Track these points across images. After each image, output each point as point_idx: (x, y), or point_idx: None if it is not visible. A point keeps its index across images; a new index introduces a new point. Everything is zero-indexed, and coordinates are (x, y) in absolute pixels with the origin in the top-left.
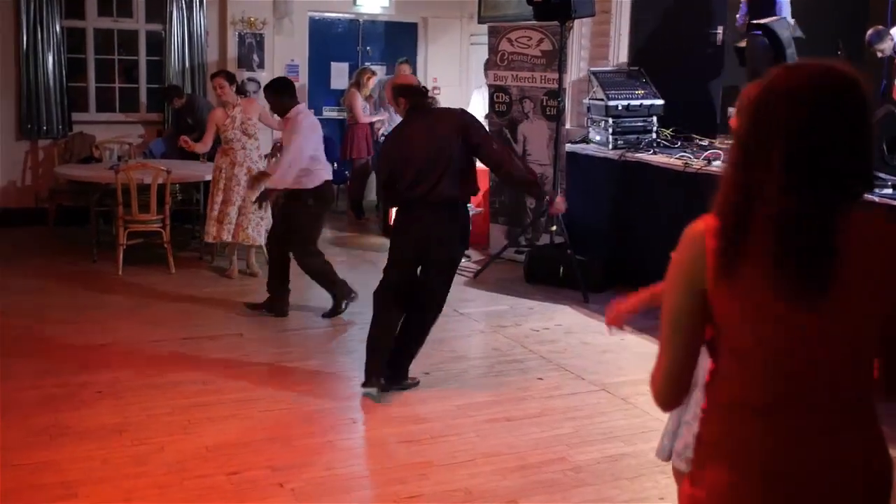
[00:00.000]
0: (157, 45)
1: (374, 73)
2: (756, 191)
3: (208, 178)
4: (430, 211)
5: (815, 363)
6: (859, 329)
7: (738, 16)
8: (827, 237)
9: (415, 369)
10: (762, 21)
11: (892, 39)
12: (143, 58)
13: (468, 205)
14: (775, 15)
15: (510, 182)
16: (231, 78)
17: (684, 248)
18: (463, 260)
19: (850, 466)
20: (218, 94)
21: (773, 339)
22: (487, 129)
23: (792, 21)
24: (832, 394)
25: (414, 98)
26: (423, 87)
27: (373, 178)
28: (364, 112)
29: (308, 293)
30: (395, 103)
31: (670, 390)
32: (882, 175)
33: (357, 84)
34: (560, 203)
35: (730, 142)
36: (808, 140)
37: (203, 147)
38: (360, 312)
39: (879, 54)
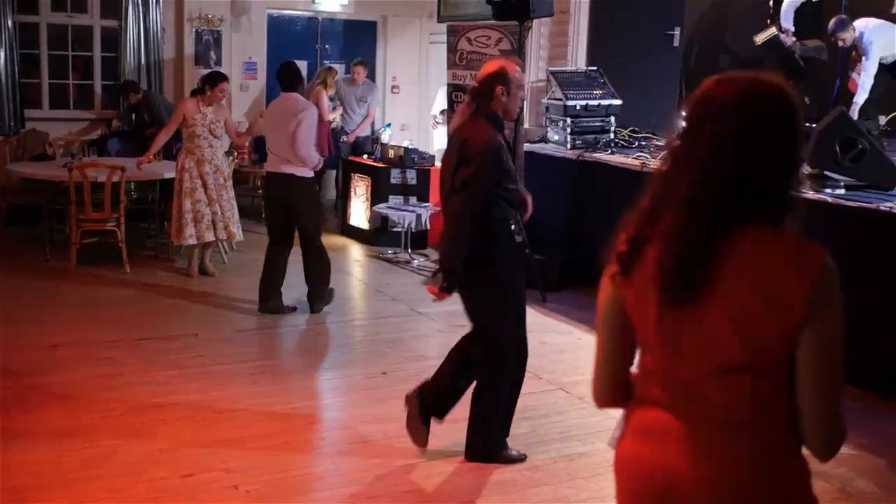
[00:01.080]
0: (113, 41)
1: (337, 72)
2: (664, 201)
3: (168, 175)
4: None
5: (688, 368)
6: (727, 342)
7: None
8: (707, 252)
9: (373, 369)
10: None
11: (854, 30)
12: (97, 54)
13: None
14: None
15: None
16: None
17: (609, 261)
18: (421, 259)
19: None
20: (218, 99)
21: (656, 339)
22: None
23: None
24: (701, 403)
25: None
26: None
27: (328, 176)
28: (328, 108)
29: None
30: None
31: (604, 388)
32: (834, 176)
33: (323, 83)
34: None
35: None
36: (730, 157)
37: (166, 134)
38: (318, 313)
39: (840, 43)
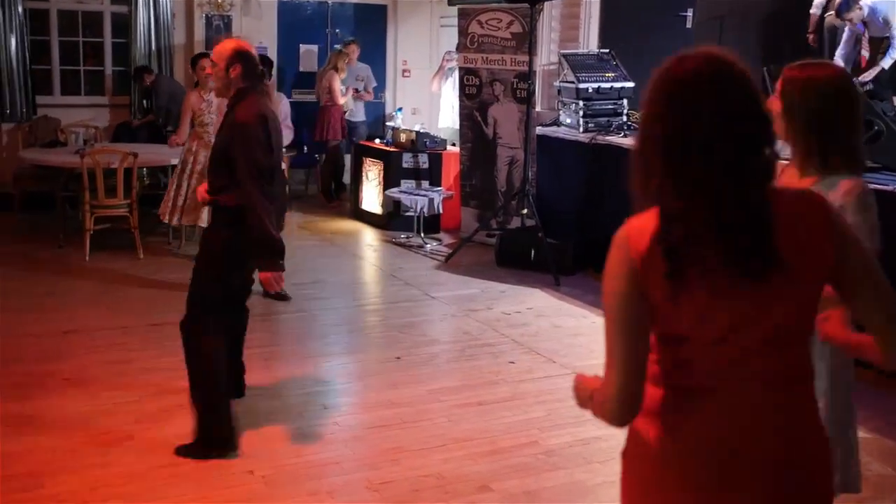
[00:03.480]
0: (123, 26)
1: (348, 54)
2: (684, 181)
3: (175, 161)
4: None
5: (763, 338)
6: (801, 301)
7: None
8: (763, 211)
9: (386, 354)
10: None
11: (861, 9)
12: (108, 40)
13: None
14: None
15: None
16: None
17: (615, 258)
18: (434, 243)
19: (796, 438)
20: (202, 78)
21: (702, 324)
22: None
23: None
24: (776, 369)
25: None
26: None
27: (345, 160)
28: (341, 92)
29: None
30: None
31: (627, 404)
32: None
33: (335, 67)
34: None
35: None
36: (717, 123)
37: (181, 136)
38: (330, 298)
39: (849, 24)
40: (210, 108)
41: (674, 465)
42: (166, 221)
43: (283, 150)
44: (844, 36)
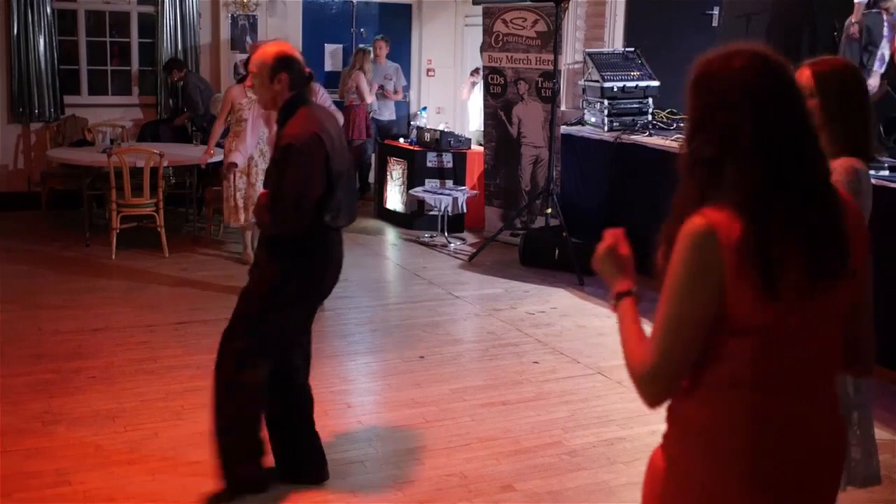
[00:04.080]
0: (150, 26)
1: (370, 52)
2: (767, 175)
3: (216, 159)
4: None
5: (819, 339)
6: (845, 300)
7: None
8: (839, 213)
9: (410, 353)
10: None
11: None
12: (135, 40)
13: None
14: None
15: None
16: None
17: (697, 251)
18: (458, 242)
19: (827, 441)
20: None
21: (794, 319)
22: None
23: None
24: (824, 371)
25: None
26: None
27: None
28: (366, 92)
29: None
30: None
31: (663, 390)
32: (879, 157)
33: (361, 67)
34: None
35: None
36: (795, 116)
37: (220, 124)
38: (354, 297)
39: (885, 14)
40: (252, 103)
41: (758, 463)
42: (233, 224)
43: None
44: (885, 30)
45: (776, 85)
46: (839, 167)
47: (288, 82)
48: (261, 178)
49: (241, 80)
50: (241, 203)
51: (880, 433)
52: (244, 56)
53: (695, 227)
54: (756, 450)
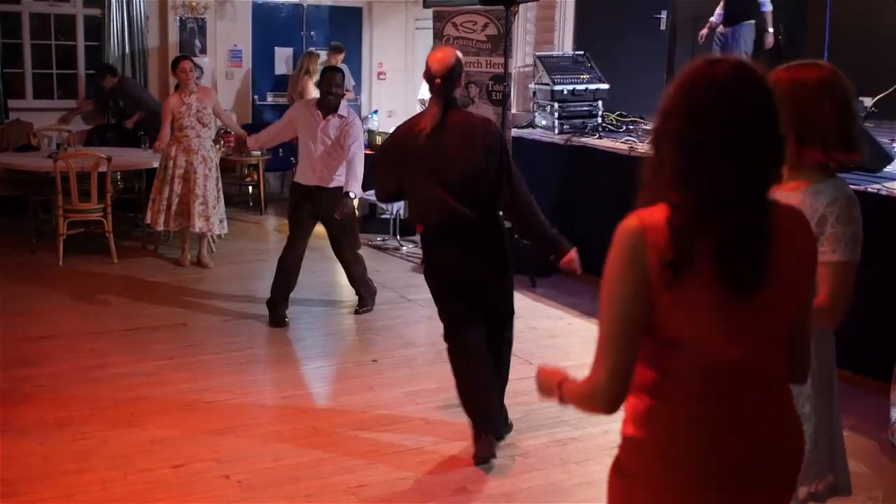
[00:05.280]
0: (96, 29)
1: (319, 56)
2: (698, 180)
3: (155, 164)
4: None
5: (752, 351)
6: (787, 317)
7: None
8: (763, 224)
9: (363, 357)
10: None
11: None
12: (81, 43)
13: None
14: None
15: (529, 232)
16: (194, 62)
17: (625, 249)
18: (410, 246)
19: (776, 443)
20: (183, 80)
21: (713, 329)
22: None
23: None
24: (763, 381)
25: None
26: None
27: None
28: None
29: (251, 283)
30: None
31: (616, 392)
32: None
33: (307, 71)
34: (573, 260)
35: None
36: (740, 129)
37: (163, 139)
38: (306, 301)
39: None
40: (190, 111)
41: (689, 468)
42: (156, 228)
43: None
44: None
45: (729, 89)
46: (829, 199)
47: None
48: (202, 183)
49: (178, 88)
50: (174, 207)
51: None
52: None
53: (625, 226)
54: (702, 455)
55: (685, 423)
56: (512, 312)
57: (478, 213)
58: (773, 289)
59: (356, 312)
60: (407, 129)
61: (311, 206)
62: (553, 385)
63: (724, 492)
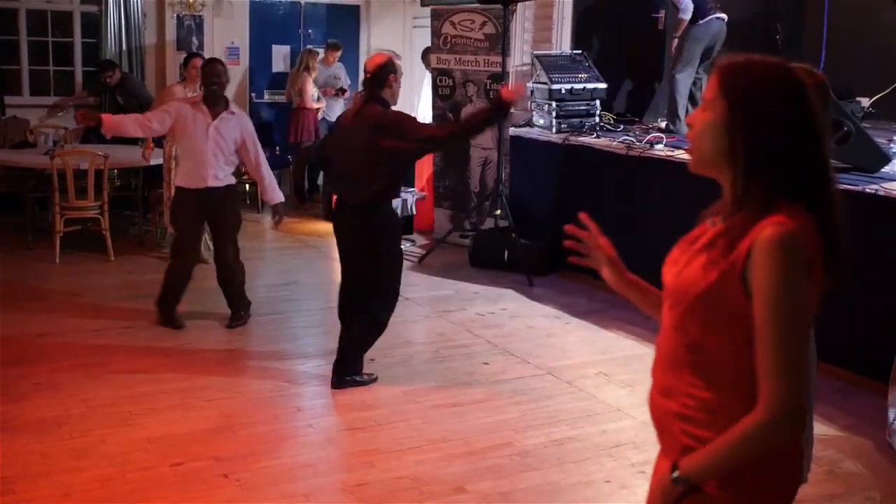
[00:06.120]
0: (93, 26)
1: (318, 53)
2: (817, 184)
3: (152, 162)
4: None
5: None
6: None
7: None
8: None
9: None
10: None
11: None
12: (78, 39)
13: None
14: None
15: (469, 131)
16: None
17: (800, 259)
18: (407, 244)
19: None
20: (192, 77)
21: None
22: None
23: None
24: None
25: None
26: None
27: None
28: (312, 97)
29: (249, 281)
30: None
31: (805, 402)
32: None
33: (307, 68)
34: (515, 89)
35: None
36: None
37: (151, 145)
38: (304, 300)
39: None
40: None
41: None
42: (170, 230)
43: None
44: None
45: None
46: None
47: None
48: None
49: (184, 80)
50: None
51: (825, 429)
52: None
53: (791, 236)
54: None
55: None
56: (377, 291)
57: (366, 198)
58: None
59: (230, 326)
60: (345, 113)
61: (199, 210)
62: (669, 487)
63: None
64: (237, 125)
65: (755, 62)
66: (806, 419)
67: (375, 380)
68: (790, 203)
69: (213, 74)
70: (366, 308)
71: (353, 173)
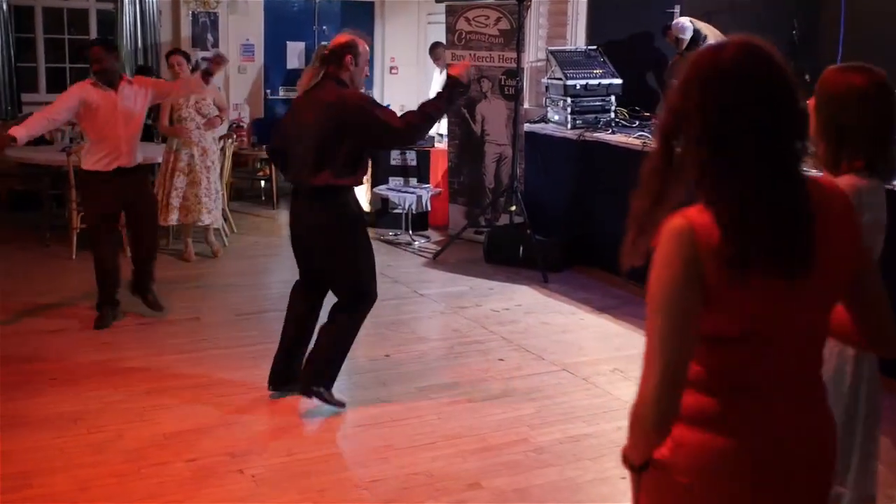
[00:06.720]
0: (109, 24)
1: None
2: (734, 173)
3: (160, 159)
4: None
5: (798, 336)
6: (827, 302)
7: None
8: (804, 202)
9: (375, 352)
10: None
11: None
12: (94, 37)
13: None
14: None
15: (427, 118)
16: (187, 56)
17: (677, 250)
18: (422, 240)
19: (820, 437)
20: (175, 73)
21: (767, 317)
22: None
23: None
24: (805, 368)
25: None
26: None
27: None
28: None
29: (264, 277)
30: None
31: (671, 398)
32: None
33: None
34: (460, 65)
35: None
36: (762, 111)
37: (162, 126)
38: None
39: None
40: (188, 102)
41: (746, 471)
42: (165, 224)
43: None
44: None
45: (741, 73)
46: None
47: None
48: (205, 175)
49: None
50: (175, 202)
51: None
52: (204, 53)
53: (674, 227)
54: (748, 451)
55: (737, 419)
56: (345, 283)
57: (321, 180)
58: (821, 267)
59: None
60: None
61: (114, 194)
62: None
63: (763, 493)
64: (138, 89)
65: (699, 53)
66: (658, 407)
67: (343, 406)
68: (709, 200)
69: (92, 61)
70: (343, 308)
71: (304, 155)
